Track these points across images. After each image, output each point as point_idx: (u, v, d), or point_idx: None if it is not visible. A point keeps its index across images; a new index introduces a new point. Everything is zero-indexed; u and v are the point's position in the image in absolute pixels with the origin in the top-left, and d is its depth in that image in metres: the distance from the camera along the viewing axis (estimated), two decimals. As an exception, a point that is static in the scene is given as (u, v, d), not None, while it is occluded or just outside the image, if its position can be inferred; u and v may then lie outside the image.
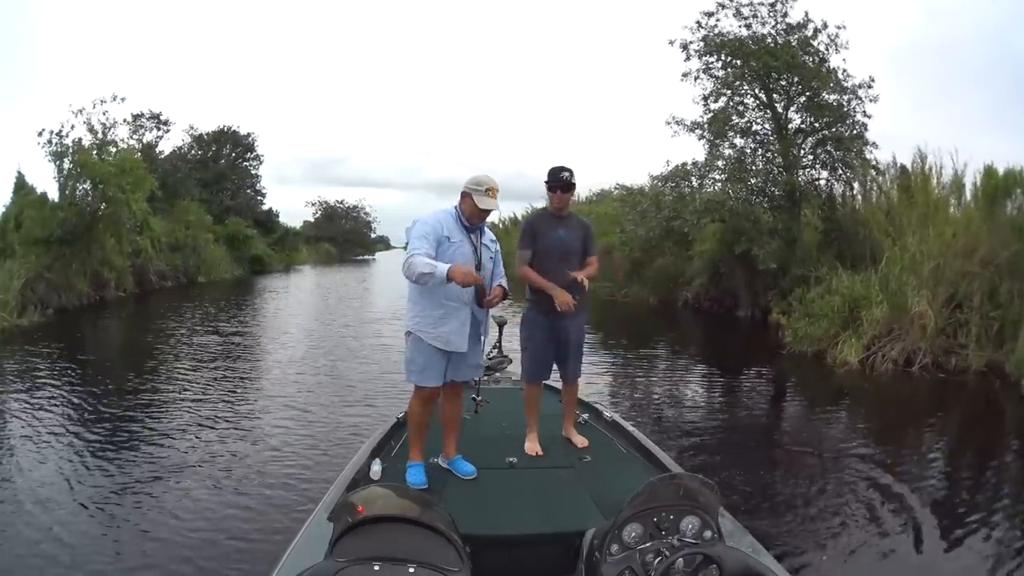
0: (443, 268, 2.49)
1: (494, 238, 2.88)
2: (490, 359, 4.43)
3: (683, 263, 14.64)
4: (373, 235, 54.97)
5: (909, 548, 3.24)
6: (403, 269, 2.57)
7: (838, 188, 11.55)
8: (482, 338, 2.86)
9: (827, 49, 11.10)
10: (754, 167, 11.59)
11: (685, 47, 11.74)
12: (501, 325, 4.54)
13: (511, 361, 4.59)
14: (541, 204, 20.32)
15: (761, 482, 4.07)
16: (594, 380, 6.83)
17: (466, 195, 2.67)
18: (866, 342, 7.71)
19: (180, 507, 3.57)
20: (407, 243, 2.66)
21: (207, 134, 31.58)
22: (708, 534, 1.81)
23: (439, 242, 2.62)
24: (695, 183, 11.95)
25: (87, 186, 14.14)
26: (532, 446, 3.08)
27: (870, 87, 11.03)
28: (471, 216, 2.67)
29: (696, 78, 11.86)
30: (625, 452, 3.20)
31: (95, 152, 14.63)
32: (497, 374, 4.37)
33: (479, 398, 3.71)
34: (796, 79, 11.14)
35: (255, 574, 2.79)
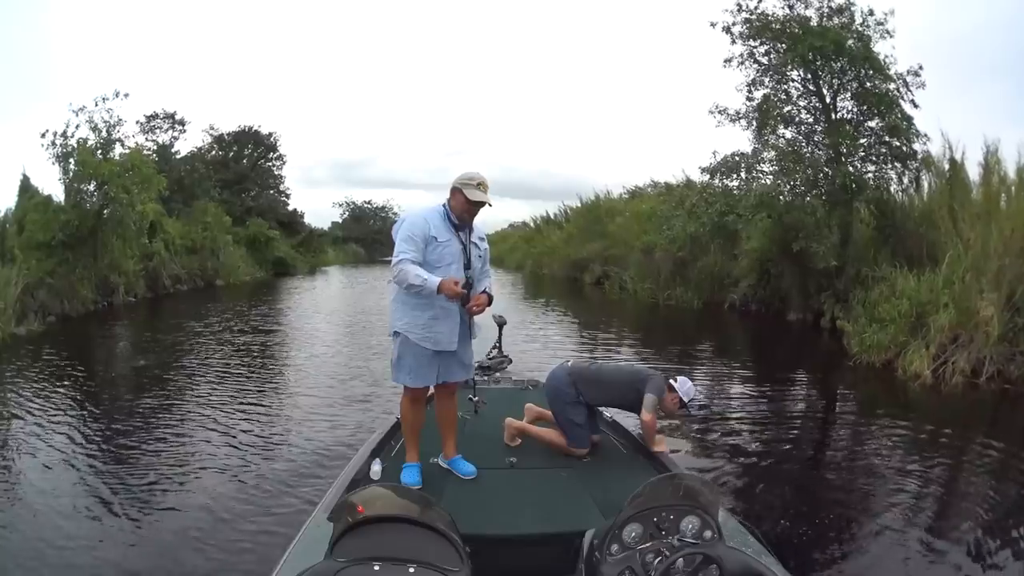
0: (434, 281, 2.48)
1: (483, 237, 2.83)
2: (490, 359, 4.43)
3: (728, 263, 13.88)
4: (403, 235, 54.60)
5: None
6: (393, 274, 2.55)
7: (891, 181, 10.83)
8: (472, 336, 2.82)
9: (874, 35, 10.38)
10: (806, 158, 10.89)
11: (728, 29, 11.06)
12: (501, 325, 4.53)
13: (511, 361, 4.59)
14: (573, 202, 20.08)
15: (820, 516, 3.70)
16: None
17: (456, 191, 2.63)
18: (934, 351, 7.06)
19: (181, 509, 3.57)
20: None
21: (228, 134, 31.16)
22: (708, 534, 1.81)
23: (426, 242, 2.58)
24: (743, 175, 11.27)
25: (91, 187, 13.81)
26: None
27: (917, 75, 10.39)
28: (461, 213, 2.63)
29: (740, 63, 11.21)
30: (625, 452, 3.21)
31: (99, 151, 14.22)
32: (497, 374, 4.37)
33: (477, 398, 3.71)
34: (846, 63, 10.42)
35: (255, 574, 2.80)
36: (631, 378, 3.26)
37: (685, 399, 3.22)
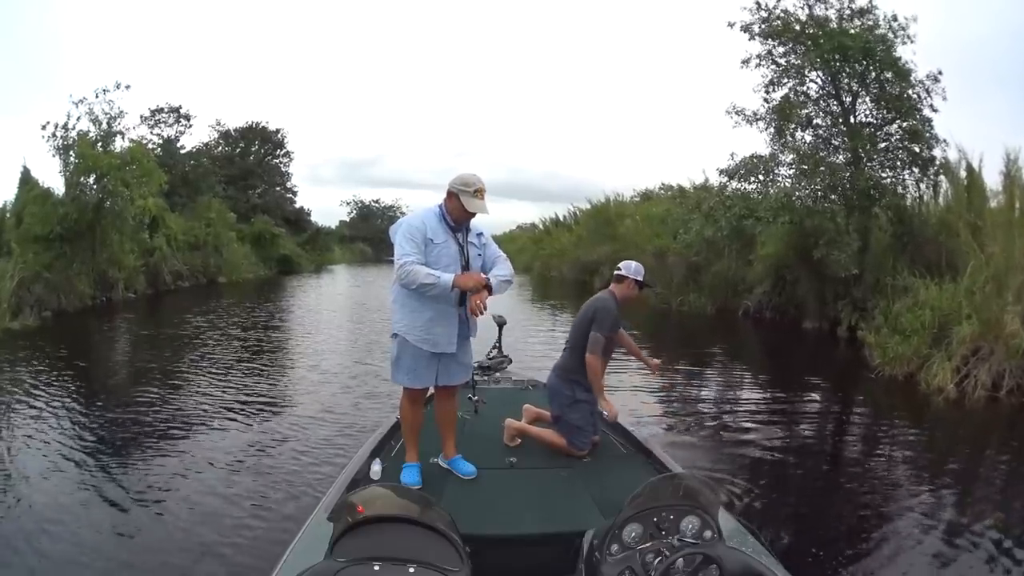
0: (447, 278, 2.48)
1: (481, 231, 2.76)
2: (490, 359, 4.43)
3: (743, 268, 13.65)
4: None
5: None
6: (399, 276, 2.52)
7: (909, 188, 10.74)
8: (471, 337, 2.80)
9: (895, 39, 10.46)
10: (825, 161, 10.78)
11: (747, 28, 10.98)
12: (501, 325, 4.53)
13: (511, 361, 4.58)
14: (581, 204, 19.81)
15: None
16: (633, 404, 5.86)
17: (453, 195, 2.59)
18: (956, 364, 6.87)
19: (180, 508, 3.56)
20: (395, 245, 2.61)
21: (235, 130, 31.17)
22: (708, 534, 1.81)
23: (425, 244, 2.57)
24: (762, 178, 11.22)
25: (90, 180, 13.66)
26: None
27: (937, 80, 10.38)
28: (457, 217, 2.61)
29: (758, 64, 11.17)
30: (625, 452, 3.21)
31: (99, 144, 14.07)
32: (497, 374, 4.37)
33: (477, 398, 3.70)
34: (869, 66, 10.38)
35: (256, 574, 2.79)
36: (585, 322, 3.21)
37: (639, 278, 3.22)
